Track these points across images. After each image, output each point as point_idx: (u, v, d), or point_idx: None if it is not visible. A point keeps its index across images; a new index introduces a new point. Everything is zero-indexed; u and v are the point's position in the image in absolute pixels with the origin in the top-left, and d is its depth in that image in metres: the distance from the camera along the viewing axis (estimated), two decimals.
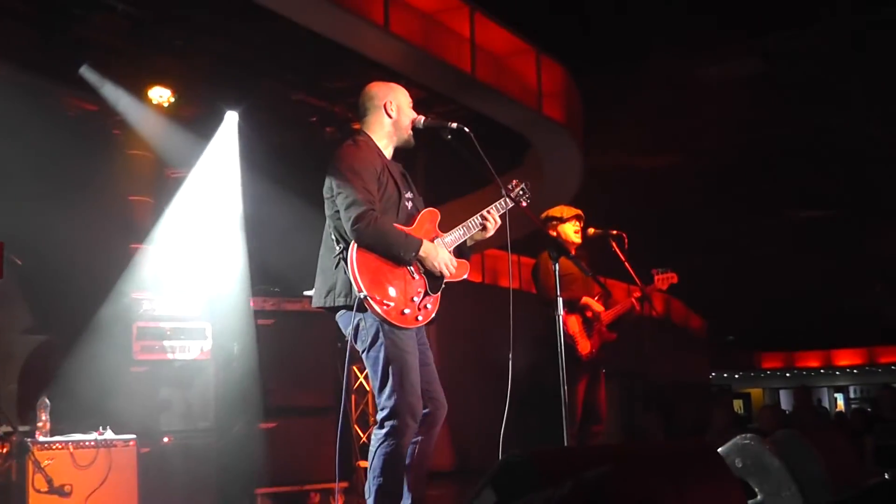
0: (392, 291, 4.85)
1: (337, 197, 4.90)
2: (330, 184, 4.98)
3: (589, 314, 7.93)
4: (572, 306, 7.80)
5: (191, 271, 9.09)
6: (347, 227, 4.80)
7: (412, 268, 4.96)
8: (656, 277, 8.08)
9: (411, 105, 5.35)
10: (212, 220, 9.68)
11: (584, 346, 7.82)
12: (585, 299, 7.94)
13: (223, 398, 8.60)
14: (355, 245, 4.81)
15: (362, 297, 4.71)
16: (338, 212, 4.91)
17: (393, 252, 4.86)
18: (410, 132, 5.29)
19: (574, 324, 7.82)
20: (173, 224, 9.52)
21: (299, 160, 10.58)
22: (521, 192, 5.55)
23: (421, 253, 4.96)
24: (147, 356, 8.32)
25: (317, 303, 5.02)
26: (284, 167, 10.46)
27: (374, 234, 4.80)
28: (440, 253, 5.04)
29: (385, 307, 4.78)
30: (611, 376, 8.35)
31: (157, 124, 9.63)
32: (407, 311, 4.88)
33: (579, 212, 8.16)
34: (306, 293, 8.71)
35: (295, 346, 8.75)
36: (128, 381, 8.18)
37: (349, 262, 4.79)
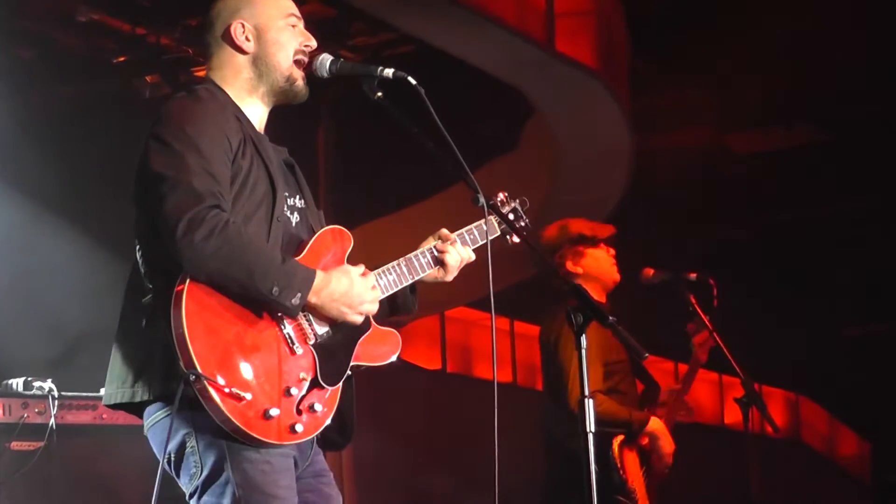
0: (248, 372, 4.72)
1: (153, 191, 4.76)
2: (141, 168, 4.88)
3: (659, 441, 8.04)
4: (631, 432, 7.90)
5: None
6: (170, 242, 4.64)
7: (292, 331, 4.85)
8: (690, 327, 8.21)
9: (295, 23, 5.33)
10: None
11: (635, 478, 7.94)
12: (654, 424, 8.01)
13: None
14: (187, 279, 4.68)
15: (192, 377, 4.55)
16: (150, 223, 4.82)
17: (259, 288, 4.69)
18: (293, 72, 5.29)
19: (632, 462, 7.90)
20: None
21: (87, 137, 10.62)
22: (512, 213, 5.61)
23: (312, 296, 4.81)
24: None
25: (110, 399, 4.90)
26: (59, 151, 10.50)
27: (224, 249, 4.64)
28: (355, 283, 4.95)
29: (234, 401, 4.64)
30: None
31: None
32: (274, 412, 4.71)
33: (611, 230, 8.28)
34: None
35: (87, 488, 8.77)
36: None
37: (172, 308, 4.64)
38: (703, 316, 7.97)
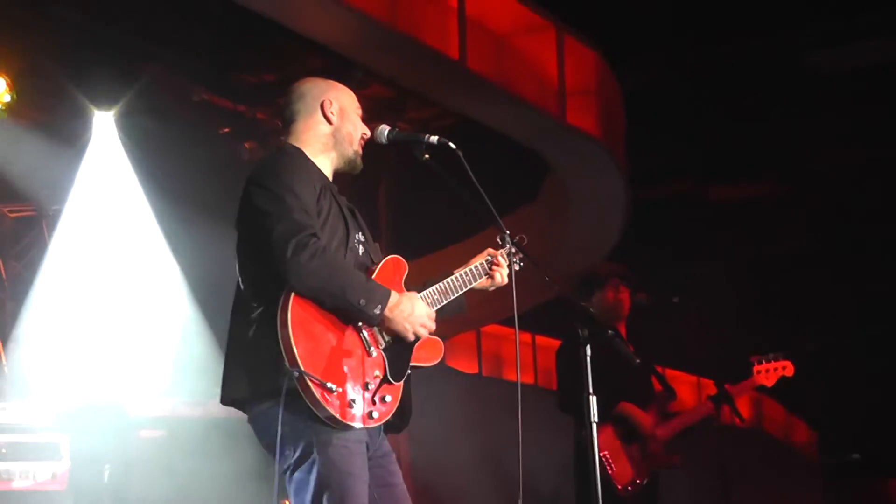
0: (338, 370, 4.81)
1: (259, 222, 4.85)
2: (246, 209, 4.97)
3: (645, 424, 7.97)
4: (607, 414, 7.81)
5: (40, 358, 9.11)
6: (279, 261, 4.72)
7: (368, 338, 4.92)
8: (757, 369, 8.06)
9: (360, 114, 5.44)
10: (71, 281, 9.71)
11: (622, 474, 7.84)
12: (624, 406, 7.95)
13: None
14: (291, 293, 4.73)
15: (296, 374, 4.64)
16: (256, 250, 4.89)
17: (349, 300, 4.79)
18: (358, 149, 5.38)
19: (608, 439, 7.83)
20: (10, 287, 9.53)
21: (203, 191, 10.65)
22: (511, 249, 5.62)
23: (388, 311, 4.91)
24: None
25: (226, 398, 4.98)
26: (182, 202, 10.54)
27: (324, 269, 4.74)
28: (416, 307, 5.00)
29: (328, 394, 4.72)
30: None
31: None
32: (357, 402, 4.82)
33: (618, 269, 8.25)
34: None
35: (195, 470, 8.75)
36: None
37: (279, 320, 4.71)
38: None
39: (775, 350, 8.07)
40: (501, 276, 5.42)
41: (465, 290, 5.35)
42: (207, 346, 9.43)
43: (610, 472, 7.80)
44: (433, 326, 5.08)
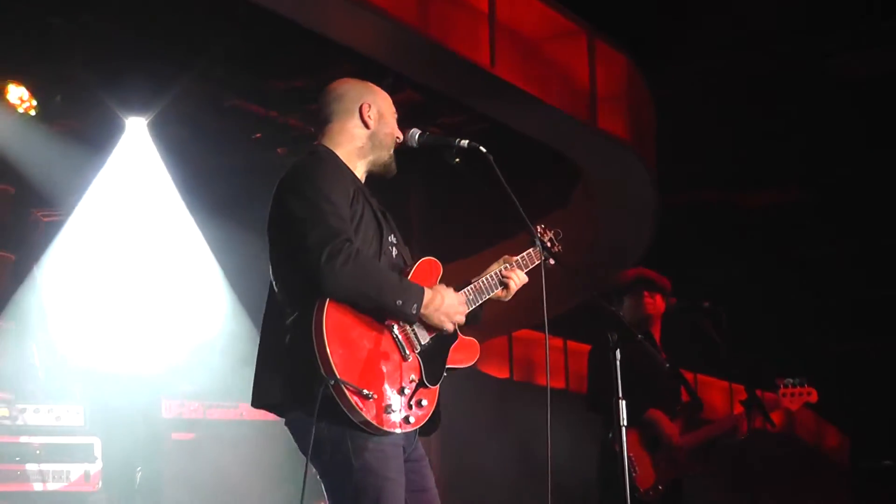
0: (374, 376, 4.77)
1: (293, 229, 4.81)
2: (279, 214, 4.94)
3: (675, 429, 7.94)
4: (633, 418, 7.75)
5: (74, 361, 9.13)
6: (313, 267, 4.67)
7: (403, 342, 4.88)
8: (783, 392, 8.03)
9: (395, 117, 5.40)
10: (104, 284, 9.73)
11: (645, 478, 7.80)
12: (653, 413, 7.92)
13: None
14: (326, 300, 4.69)
15: (332, 382, 4.59)
16: (290, 256, 4.85)
17: (385, 301, 4.78)
18: (392, 153, 5.36)
19: (633, 443, 7.79)
20: (45, 291, 9.55)
21: (235, 195, 10.66)
22: (549, 242, 5.60)
23: (423, 308, 4.88)
24: (4, 486, 8.32)
25: (258, 403, 4.96)
26: (215, 206, 10.55)
27: (359, 271, 4.70)
28: (446, 297, 5.00)
29: (364, 400, 4.68)
30: None
31: (21, 142, 9.72)
32: (393, 407, 4.78)
33: (649, 275, 8.20)
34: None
35: (227, 472, 8.75)
36: None
37: (314, 327, 4.66)
38: (717, 339, 7.84)
39: (801, 375, 8.04)
40: (515, 280, 5.35)
41: (496, 290, 5.33)
42: (240, 349, 9.42)
43: (633, 475, 7.77)
44: (466, 311, 5.07)
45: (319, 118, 5.30)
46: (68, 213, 10.18)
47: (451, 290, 5.05)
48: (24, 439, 8.48)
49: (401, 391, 4.83)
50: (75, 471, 8.57)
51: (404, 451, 4.95)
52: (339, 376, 4.61)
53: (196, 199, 10.65)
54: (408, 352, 4.89)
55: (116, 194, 10.29)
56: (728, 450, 8.34)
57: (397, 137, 5.30)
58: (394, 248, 5.12)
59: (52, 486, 8.49)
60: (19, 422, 8.53)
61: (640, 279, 8.19)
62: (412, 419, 4.85)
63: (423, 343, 4.95)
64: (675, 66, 14.42)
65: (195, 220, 10.69)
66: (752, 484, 8.91)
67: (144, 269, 10.34)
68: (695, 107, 14.98)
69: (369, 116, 5.23)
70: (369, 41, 10.12)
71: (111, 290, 10.02)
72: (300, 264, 4.75)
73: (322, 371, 4.61)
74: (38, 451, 8.48)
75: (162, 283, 10.45)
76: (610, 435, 7.60)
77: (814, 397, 8.01)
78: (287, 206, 4.88)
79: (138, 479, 8.75)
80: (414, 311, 4.82)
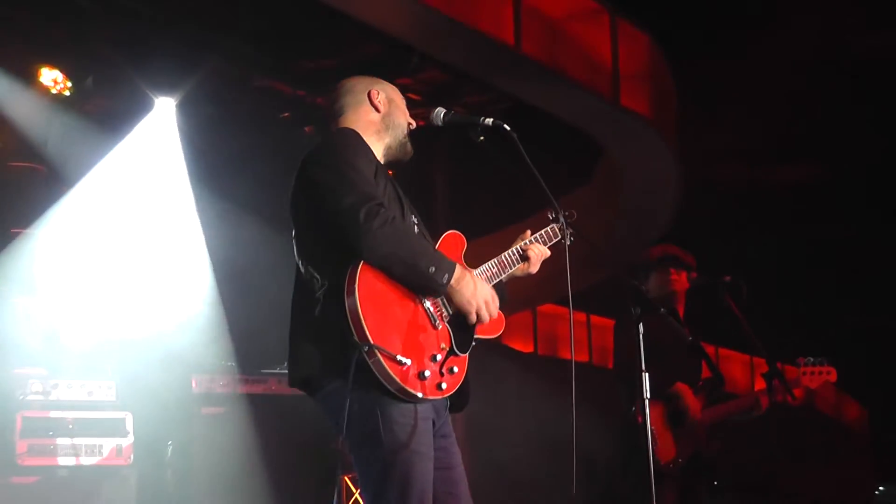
0: (406, 342, 4.78)
1: (326, 196, 4.82)
2: (308, 188, 4.97)
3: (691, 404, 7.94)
4: (658, 391, 7.76)
5: (104, 336, 9.18)
6: (352, 226, 4.69)
7: (433, 311, 4.91)
8: (803, 370, 8.04)
9: (405, 107, 5.42)
10: (136, 259, 9.79)
11: (666, 451, 7.81)
12: (679, 387, 7.93)
13: None
14: (360, 264, 4.70)
15: (366, 348, 4.60)
16: (321, 227, 4.87)
17: (419, 267, 4.80)
18: (407, 137, 5.40)
19: (656, 416, 7.80)
20: (76, 266, 9.61)
21: (263, 173, 10.70)
22: (563, 224, 5.59)
23: (454, 282, 4.89)
24: (37, 460, 8.38)
25: (294, 380, 4.94)
26: (240, 182, 10.60)
27: (395, 235, 4.74)
28: (480, 286, 4.99)
29: (398, 366, 4.69)
30: (719, 492, 8.33)
31: (50, 121, 9.79)
32: (426, 374, 4.80)
33: (675, 252, 8.22)
34: (266, 371, 8.83)
35: (256, 446, 8.80)
36: (8, 499, 8.22)
37: (346, 293, 4.68)
38: (738, 313, 7.85)
39: (821, 355, 8.05)
40: (535, 252, 5.42)
41: (518, 264, 5.38)
42: (268, 323, 9.48)
43: (654, 447, 7.78)
44: (495, 309, 5.05)
45: (333, 112, 5.35)
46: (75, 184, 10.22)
47: (484, 283, 5.07)
48: (56, 414, 8.53)
49: (433, 358, 4.84)
50: (107, 445, 8.60)
51: (434, 424, 4.97)
52: (372, 342, 4.60)
53: (205, 185, 10.61)
54: (437, 321, 4.89)
55: (127, 170, 10.30)
56: (748, 425, 8.36)
57: (410, 123, 5.38)
58: (416, 227, 5.12)
59: (84, 460, 8.53)
60: (52, 397, 8.58)
61: (666, 256, 8.18)
62: (444, 385, 4.87)
63: (451, 312, 4.95)
64: (696, 42, 14.42)
65: (220, 194, 10.66)
66: (772, 454, 8.94)
67: (171, 246, 10.36)
68: (718, 84, 14.99)
69: (379, 102, 5.33)
70: (395, 21, 10.14)
71: (138, 264, 10.04)
72: (336, 226, 4.76)
73: (355, 337, 4.61)
74: (70, 426, 8.51)
75: (188, 259, 10.48)
76: (633, 408, 7.62)
77: (833, 376, 8.01)
78: (316, 178, 4.90)
79: (169, 453, 8.80)
80: (444, 282, 4.83)
